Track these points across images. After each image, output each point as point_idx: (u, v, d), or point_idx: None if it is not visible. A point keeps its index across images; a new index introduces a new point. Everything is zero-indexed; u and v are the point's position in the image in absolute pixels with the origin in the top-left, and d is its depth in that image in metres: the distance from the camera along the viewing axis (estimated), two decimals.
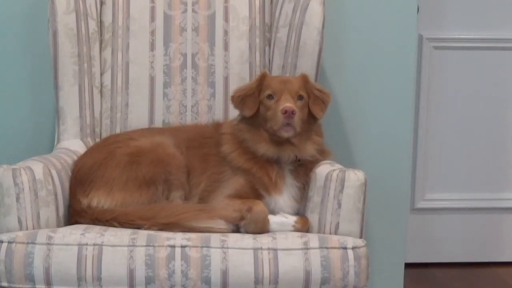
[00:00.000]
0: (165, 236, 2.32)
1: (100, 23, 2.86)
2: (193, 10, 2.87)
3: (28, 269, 2.27)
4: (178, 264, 2.27)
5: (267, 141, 2.52)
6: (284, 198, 2.52)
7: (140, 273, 2.26)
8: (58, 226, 2.42)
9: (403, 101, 3.08)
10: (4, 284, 2.28)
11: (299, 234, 2.39)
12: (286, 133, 2.48)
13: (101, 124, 2.85)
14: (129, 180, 2.49)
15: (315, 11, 2.77)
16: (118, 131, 2.83)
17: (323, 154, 2.59)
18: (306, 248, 2.31)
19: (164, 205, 2.47)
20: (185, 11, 2.87)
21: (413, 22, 3.05)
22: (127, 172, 2.50)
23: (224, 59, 2.87)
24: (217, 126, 2.68)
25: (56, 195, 2.44)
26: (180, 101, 2.85)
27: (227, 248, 2.29)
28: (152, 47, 2.85)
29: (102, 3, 2.86)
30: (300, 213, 2.53)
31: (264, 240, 2.33)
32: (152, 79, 2.85)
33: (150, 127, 2.82)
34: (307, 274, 2.29)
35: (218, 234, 2.35)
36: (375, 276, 3.05)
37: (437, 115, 3.61)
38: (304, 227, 2.46)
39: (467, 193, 3.69)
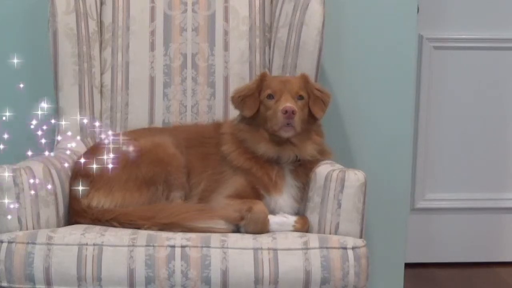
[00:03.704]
0: (165, 236, 2.32)
1: (100, 23, 2.86)
2: (193, 10, 2.87)
3: (28, 269, 2.27)
4: (178, 264, 2.27)
5: (267, 141, 2.52)
6: (284, 198, 2.52)
7: (140, 273, 2.26)
8: (58, 226, 2.42)
9: (403, 101, 3.08)
10: (4, 284, 2.28)
11: (299, 234, 2.39)
12: (286, 133, 2.48)
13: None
14: (129, 180, 2.49)
15: (315, 11, 2.77)
16: (118, 131, 2.83)
17: (323, 154, 2.59)
18: (306, 248, 2.31)
19: (164, 205, 2.47)
20: (185, 11, 2.87)
21: (413, 22, 3.05)
22: (127, 172, 2.50)
23: (224, 59, 2.87)
24: (217, 126, 2.68)
25: (56, 195, 2.44)
26: (180, 101, 2.85)
27: (227, 248, 2.29)
28: (152, 47, 2.85)
29: (102, 3, 2.86)
30: (300, 213, 2.53)
31: (264, 240, 2.33)
32: (152, 79, 2.85)
33: (150, 127, 2.82)
34: (307, 274, 2.29)
35: (218, 234, 2.35)
36: (375, 276, 3.05)
37: (437, 115, 3.61)
38: (304, 227, 2.46)
39: (467, 193, 3.69)
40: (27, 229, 2.34)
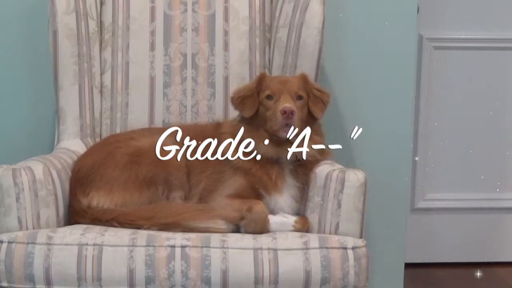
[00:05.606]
0: (165, 236, 2.32)
1: (100, 23, 2.86)
2: (193, 10, 2.87)
3: (28, 269, 2.27)
4: (178, 264, 2.27)
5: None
6: (284, 198, 2.52)
7: (140, 273, 2.26)
8: (58, 226, 2.43)
9: (403, 101, 3.08)
10: (4, 284, 2.28)
11: (299, 234, 2.39)
12: (285, 133, 2.48)
13: (101, 124, 2.85)
14: (129, 180, 2.49)
15: (315, 11, 2.77)
16: (118, 131, 2.83)
17: (323, 154, 2.59)
18: (306, 248, 2.31)
19: (164, 205, 2.47)
20: (185, 11, 2.87)
21: (413, 22, 3.05)
22: (127, 172, 2.50)
23: (224, 59, 2.87)
24: (217, 126, 2.68)
25: (56, 195, 2.44)
26: (180, 101, 2.85)
27: (227, 248, 2.29)
28: (152, 47, 2.85)
29: (102, 3, 2.86)
30: (300, 213, 2.53)
31: (264, 240, 2.33)
32: (152, 79, 2.85)
33: (150, 127, 2.82)
34: (307, 274, 2.29)
35: (218, 234, 2.35)
36: (375, 276, 3.05)
37: (437, 115, 3.61)
38: (304, 227, 2.46)
39: (467, 193, 3.69)
40: (27, 229, 2.34)
